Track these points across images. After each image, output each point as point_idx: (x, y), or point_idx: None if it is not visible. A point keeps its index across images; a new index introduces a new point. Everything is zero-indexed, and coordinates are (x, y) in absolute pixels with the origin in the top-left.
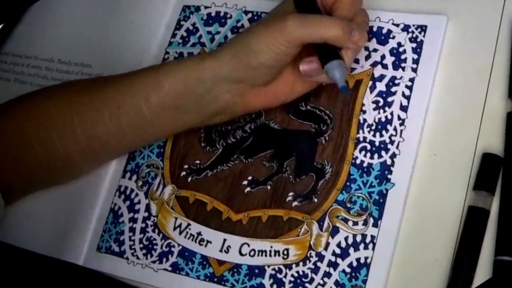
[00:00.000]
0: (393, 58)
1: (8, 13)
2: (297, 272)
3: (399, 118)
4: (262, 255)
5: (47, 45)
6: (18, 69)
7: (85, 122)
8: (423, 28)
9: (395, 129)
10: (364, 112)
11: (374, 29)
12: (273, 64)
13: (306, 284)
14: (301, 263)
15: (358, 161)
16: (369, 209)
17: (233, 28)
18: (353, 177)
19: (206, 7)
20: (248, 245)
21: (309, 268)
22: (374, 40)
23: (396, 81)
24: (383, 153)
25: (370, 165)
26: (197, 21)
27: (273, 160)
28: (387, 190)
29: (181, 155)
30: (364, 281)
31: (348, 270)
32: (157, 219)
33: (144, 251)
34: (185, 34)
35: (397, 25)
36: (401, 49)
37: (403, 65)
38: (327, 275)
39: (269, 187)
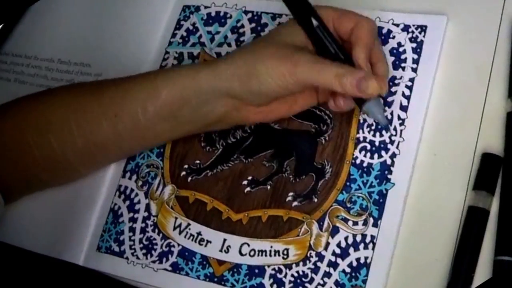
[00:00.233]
0: (393, 58)
1: (8, 13)
2: (297, 272)
3: (399, 118)
4: (262, 255)
5: (47, 45)
6: (18, 69)
7: (83, 128)
8: (423, 28)
9: (395, 129)
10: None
11: None
12: (274, 95)
13: (306, 284)
14: (301, 263)
15: (358, 161)
16: (369, 209)
17: (233, 28)
18: (353, 177)
19: (206, 7)
20: (248, 245)
21: (309, 268)
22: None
23: (396, 81)
24: (383, 153)
25: (370, 165)
26: (197, 21)
27: (273, 160)
28: (387, 190)
29: (181, 155)
30: (364, 281)
31: (348, 270)
32: (157, 219)
33: (144, 251)
34: (185, 34)
35: (397, 25)
36: (401, 49)
37: (403, 65)
38: (327, 275)
39: (269, 187)
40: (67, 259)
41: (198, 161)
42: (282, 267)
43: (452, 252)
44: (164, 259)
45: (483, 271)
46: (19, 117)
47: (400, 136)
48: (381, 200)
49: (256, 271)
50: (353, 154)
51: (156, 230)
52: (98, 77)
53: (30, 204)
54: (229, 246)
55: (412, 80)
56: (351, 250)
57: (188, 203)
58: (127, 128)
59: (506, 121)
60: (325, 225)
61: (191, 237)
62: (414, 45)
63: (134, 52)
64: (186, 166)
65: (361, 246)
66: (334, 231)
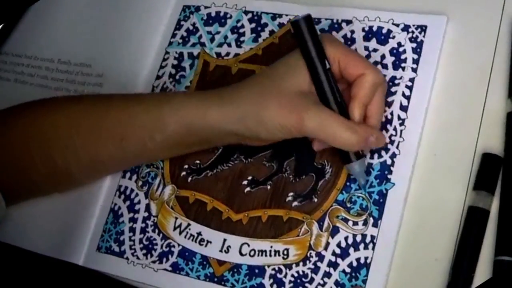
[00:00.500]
0: (393, 58)
1: (8, 13)
2: (297, 272)
3: (399, 118)
4: (262, 255)
5: (47, 45)
6: (18, 69)
7: (88, 147)
8: (423, 28)
9: (395, 129)
10: None
11: (374, 29)
12: (278, 139)
13: (306, 284)
14: (301, 263)
15: None
16: (369, 209)
17: (233, 28)
18: (353, 177)
19: (206, 7)
20: (248, 245)
21: (309, 268)
22: (374, 40)
23: (396, 81)
24: (383, 153)
25: (370, 165)
26: (197, 21)
27: (273, 160)
28: (387, 190)
29: (181, 155)
30: (364, 281)
31: (348, 270)
32: (157, 219)
33: (144, 251)
34: (185, 34)
35: (397, 25)
36: (401, 49)
37: (403, 65)
38: (327, 275)
39: (269, 187)
40: (67, 259)
41: (198, 161)
42: (282, 267)
43: (452, 252)
44: (164, 259)
45: (483, 271)
46: (23, 132)
47: (400, 136)
48: (381, 200)
49: (256, 271)
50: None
51: (156, 230)
52: (99, 78)
53: (30, 204)
54: (229, 246)
55: (412, 80)
56: (351, 250)
57: (188, 203)
58: (133, 151)
59: (506, 121)
60: (325, 225)
61: (191, 237)
62: (414, 45)
63: (134, 52)
64: (186, 166)
65: (361, 246)
66: (334, 231)
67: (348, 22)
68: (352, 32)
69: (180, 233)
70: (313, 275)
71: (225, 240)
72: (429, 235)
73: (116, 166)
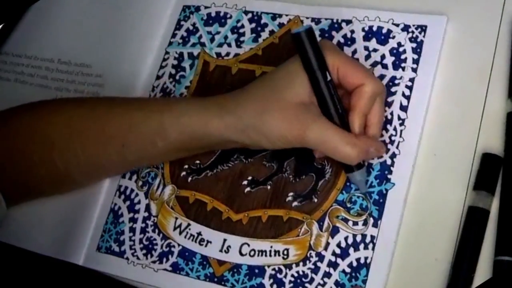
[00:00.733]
0: (393, 58)
1: (8, 13)
2: (297, 272)
3: (399, 118)
4: (262, 255)
5: (47, 45)
6: (18, 69)
7: (88, 151)
8: (423, 28)
9: (395, 129)
10: None
11: (374, 29)
12: (280, 148)
13: (306, 284)
14: (301, 263)
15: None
16: (369, 209)
17: (233, 28)
18: None
19: (206, 7)
20: (248, 245)
21: (309, 268)
22: (374, 40)
23: (396, 81)
24: None
25: (370, 165)
26: (197, 21)
27: (273, 160)
28: (387, 190)
29: None
30: (364, 281)
31: (348, 270)
32: (157, 219)
33: (144, 251)
34: (185, 34)
35: (397, 25)
36: (401, 49)
37: (403, 65)
38: (327, 275)
39: (269, 187)
40: (67, 259)
41: (198, 161)
42: (282, 267)
43: (452, 252)
44: (164, 259)
45: (483, 271)
46: (24, 130)
47: (400, 136)
48: (381, 200)
49: (256, 271)
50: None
51: (156, 230)
52: (99, 78)
53: (30, 204)
54: (229, 246)
55: (412, 80)
56: (351, 250)
57: (188, 203)
58: (135, 156)
59: (506, 121)
60: (325, 225)
61: (191, 237)
62: (414, 45)
63: (134, 52)
64: (186, 166)
65: (361, 246)
66: (334, 231)
67: (348, 22)
68: (352, 32)
69: (180, 233)
70: (313, 275)
71: (225, 240)
72: (429, 235)
73: (117, 170)
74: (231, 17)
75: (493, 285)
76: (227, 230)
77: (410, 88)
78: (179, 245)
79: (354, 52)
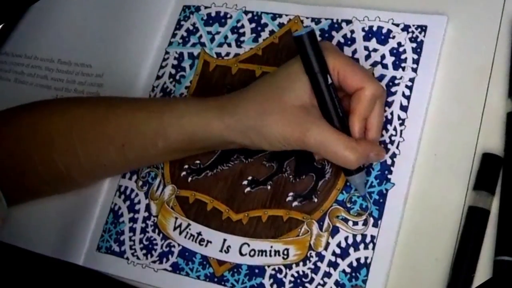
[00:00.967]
0: (393, 58)
1: (8, 13)
2: (297, 272)
3: (399, 118)
4: (262, 255)
5: (47, 45)
6: (18, 69)
7: (88, 151)
8: (423, 28)
9: (395, 129)
10: None
11: (374, 29)
12: (280, 150)
13: (306, 284)
14: (301, 263)
15: None
16: (369, 209)
17: (233, 28)
18: None
19: (206, 7)
20: (248, 245)
21: (309, 268)
22: (374, 40)
23: (396, 81)
24: None
25: (370, 165)
26: (197, 21)
27: (273, 160)
28: (387, 190)
29: None
30: (364, 281)
31: (348, 270)
32: (157, 219)
33: (144, 251)
34: (185, 34)
35: (397, 25)
36: (401, 49)
37: (403, 65)
38: (327, 275)
39: (269, 187)
40: (67, 259)
41: (198, 161)
42: (282, 267)
43: (452, 252)
44: (164, 259)
45: (483, 271)
46: (24, 130)
47: (400, 136)
48: (381, 200)
49: (256, 271)
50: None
51: (156, 230)
52: (99, 78)
53: (30, 204)
54: (229, 246)
55: (412, 80)
56: (351, 250)
57: (188, 203)
58: (135, 156)
59: (506, 121)
60: (325, 225)
61: (191, 237)
62: (414, 45)
63: (135, 52)
64: (186, 166)
65: (361, 246)
66: (334, 231)
67: (348, 22)
68: (352, 32)
69: (180, 233)
70: (313, 275)
71: (225, 240)
72: (429, 235)
73: (117, 170)
74: (231, 17)
75: (493, 285)
76: (227, 230)
77: (410, 88)
78: (179, 245)
79: (354, 52)
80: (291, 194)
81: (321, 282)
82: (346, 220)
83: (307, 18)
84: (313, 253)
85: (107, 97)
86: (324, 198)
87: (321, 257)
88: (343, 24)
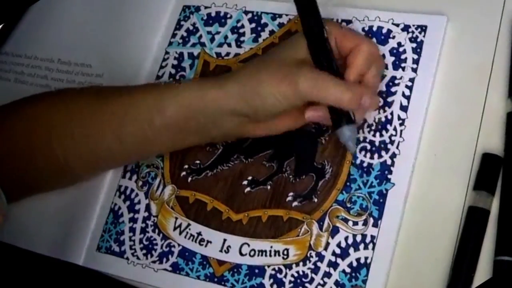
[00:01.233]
0: (393, 58)
1: (8, 13)
2: (297, 272)
3: (399, 118)
4: (262, 255)
5: (47, 45)
6: (18, 69)
7: (87, 138)
8: (423, 28)
9: (395, 129)
10: None
11: (374, 29)
12: (278, 111)
13: (306, 284)
14: (301, 263)
15: (358, 161)
16: (369, 209)
17: (233, 28)
18: (353, 177)
19: (206, 7)
20: (248, 245)
21: (309, 268)
22: (374, 40)
23: (396, 81)
24: (383, 153)
25: (370, 165)
26: (197, 21)
27: (273, 160)
28: (387, 190)
29: (181, 155)
30: (364, 281)
31: (348, 270)
32: (157, 219)
33: (144, 251)
34: (185, 34)
35: (397, 25)
36: (401, 49)
37: (403, 65)
38: (327, 275)
39: (269, 187)
40: (67, 259)
41: (198, 161)
42: (282, 267)
43: (452, 252)
44: (164, 259)
45: (483, 271)
46: (24, 122)
47: (400, 136)
48: (381, 200)
49: (256, 271)
50: (354, 154)
51: (156, 230)
52: (99, 78)
53: (30, 204)
54: (229, 246)
55: (412, 80)
56: (351, 250)
57: (188, 203)
58: (133, 140)
59: (506, 121)
60: (325, 225)
61: (191, 237)
62: (414, 45)
63: (135, 52)
64: (186, 166)
65: (361, 246)
66: (334, 231)
67: (348, 22)
68: None
69: (180, 233)
70: (313, 275)
71: (225, 240)
72: (429, 235)
73: (115, 159)
74: (231, 17)
75: (493, 285)
76: (227, 230)
77: (410, 88)
78: (179, 245)
79: None
80: (291, 194)
81: (321, 282)
82: (346, 220)
83: None
84: (313, 253)
85: (110, 85)
86: (324, 198)
87: (321, 257)
88: (343, 24)
